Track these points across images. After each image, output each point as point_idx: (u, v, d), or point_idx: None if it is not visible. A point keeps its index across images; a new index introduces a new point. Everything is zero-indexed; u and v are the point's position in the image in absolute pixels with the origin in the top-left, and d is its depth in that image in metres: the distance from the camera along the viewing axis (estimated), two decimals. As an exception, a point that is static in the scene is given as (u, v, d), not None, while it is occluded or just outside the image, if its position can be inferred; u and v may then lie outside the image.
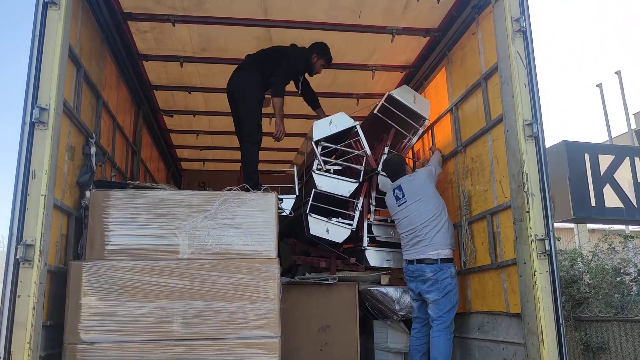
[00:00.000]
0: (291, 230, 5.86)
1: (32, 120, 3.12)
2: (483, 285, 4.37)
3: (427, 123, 5.30)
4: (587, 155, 7.59)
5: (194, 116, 6.85)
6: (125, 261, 3.61)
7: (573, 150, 7.53)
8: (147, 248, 3.86)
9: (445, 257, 4.43)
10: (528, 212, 3.51)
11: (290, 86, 5.27)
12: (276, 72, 4.83)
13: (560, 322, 3.37)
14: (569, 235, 15.46)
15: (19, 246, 2.97)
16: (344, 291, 5.22)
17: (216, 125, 7.11)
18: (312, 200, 5.12)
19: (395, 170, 4.83)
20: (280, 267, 3.94)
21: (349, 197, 5.11)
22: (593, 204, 7.42)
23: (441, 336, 4.34)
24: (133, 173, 5.97)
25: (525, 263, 3.51)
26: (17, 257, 2.96)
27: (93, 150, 4.17)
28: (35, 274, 2.99)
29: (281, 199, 4.82)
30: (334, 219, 5.12)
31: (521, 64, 3.74)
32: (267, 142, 6.97)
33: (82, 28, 3.99)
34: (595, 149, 7.65)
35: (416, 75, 5.81)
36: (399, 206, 4.68)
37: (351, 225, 5.12)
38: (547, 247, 3.42)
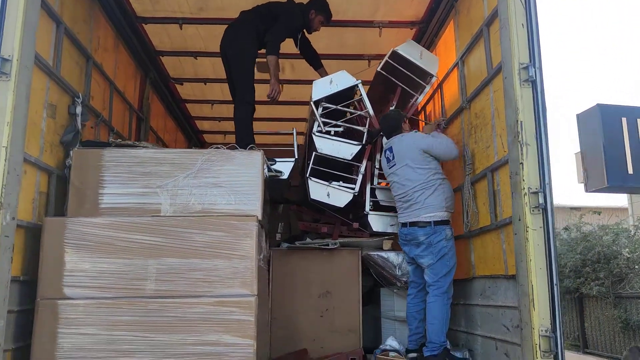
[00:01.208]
0: (298, 196, 5.70)
1: (-6, 70, 3.06)
2: (485, 248, 4.07)
3: (434, 80, 4.98)
4: (624, 120, 7.05)
5: (205, 84, 6.75)
6: (99, 218, 3.55)
7: (608, 115, 7.01)
8: (129, 207, 3.80)
9: (439, 220, 4.16)
10: (522, 163, 3.20)
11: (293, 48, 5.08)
12: (271, 29, 4.63)
13: (555, 282, 3.06)
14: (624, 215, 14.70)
15: (-21, 198, 2.93)
16: (346, 257, 5.04)
17: (229, 94, 6.96)
18: (313, 164, 4.94)
19: (390, 126, 4.56)
20: (263, 227, 3.80)
21: (351, 161, 4.89)
22: (630, 171, 6.89)
23: (437, 301, 4.09)
24: (139, 140, 5.93)
25: (520, 220, 3.21)
26: (-22, 209, 2.92)
27: (79, 110, 4.11)
28: (-4, 225, 2.94)
29: (273, 161, 4.67)
30: (334, 182, 4.92)
31: (519, 2, 3.40)
32: (275, 111, 6.84)
33: (62, -17, 3.92)
34: (633, 113, 7.09)
35: (427, 31, 5.47)
36: (389, 168, 4.44)
37: (353, 189, 4.91)
38: (541, 201, 3.11)
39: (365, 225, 5.08)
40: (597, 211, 10.62)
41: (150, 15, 5.24)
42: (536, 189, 3.15)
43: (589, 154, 7.09)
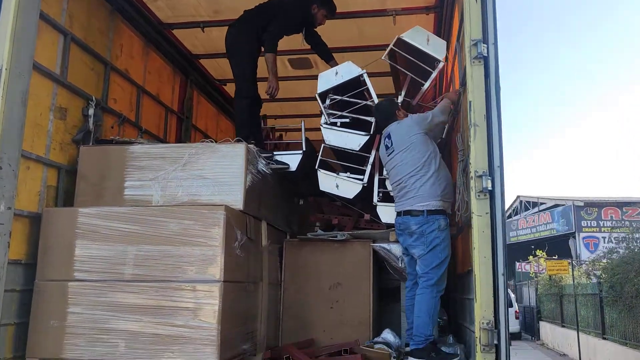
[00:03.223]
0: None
1: (-14, 78, 3.51)
2: (466, 241, 3.86)
3: (441, 65, 4.78)
4: None
5: (247, 84, 7.01)
6: (89, 208, 3.90)
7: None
8: (126, 198, 4.15)
9: (433, 209, 4.00)
10: (469, 145, 3.02)
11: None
12: (269, 27, 4.75)
13: (500, 273, 2.86)
14: None
15: (-28, 190, 3.39)
16: (357, 249, 5.02)
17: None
18: (322, 156, 4.98)
19: (384, 115, 4.46)
20: (256, 218, 3.93)
21: (359, 151, 4.86)
22: None
23: (425, 293, 3.95)
24: (180, 140, 6.34)
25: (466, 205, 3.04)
26: (-29, 199, 3.38)
27: (91, 111, 4.53)
28: (-13, 214, 3.37)
29: (270, 153, 4.77)
30: (342, 174, 4.92)
31: (474, -25, 3.20)
32: (292, 108, 6.95)
33: (70, 1, 4.35)
34: None
35: (443, 15, 5.26)
36: (388, 156, 4.33)
37: (362, 180, 4.88)
38: (485, 185, 2.91)
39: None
40: None
41: (173, 22, 5.59)
42: (483, 172, 2.95)
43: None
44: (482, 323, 2.82)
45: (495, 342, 2.77)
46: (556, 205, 27.58)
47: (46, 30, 4.07)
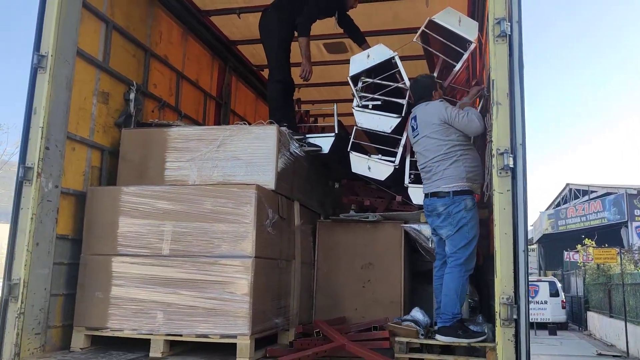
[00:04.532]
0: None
1: (34, 65, 3.75)
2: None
3: (473, 46, 4.75)
4: None
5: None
6: (131, 187, 4.11)
7: None
8: (166, 178, 4.36)
9: (459, 190, 4.02)
10: (492, 122, 3.04)
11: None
12: (302, 12, 4.84)
13: (521, 249, 2.88)
14: None
15: (20, 168, 3.65)
16: (388, 230, 5.09)
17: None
18: (355, 138, 5.06)
19: (418, 92, 4.45)
20: (287, 197, 4.06)
21: (391, 133, 4.91)
22: None
23: (454, 272, 3.99)
24: (219, 124, 6.53)
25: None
26: (19, 177, 3.64)
27: (132, 96, 4.76)
28: (34, 190, 3.62)
29: (303, 136, 4.88)
30: (373, 156, 4.99)
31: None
32: (330, 93, 7.01)
33: (111, -11, 4.57)
34: None
35: (478, -4, 5.22)
36: (414, 137, 4.36)
37: (393, 161, 4.93)
38: (507, 162, 2.93)
39: (412, 197, 5.05)
40: None
41: (210, 8, 5.75)
42: (505, 149, 2.97)
43: None
44: (502, 298, 2.86)
45: (515, 316, 2.81)
46: (608, 194, 26.65)
47: (89, 18, 4.29)
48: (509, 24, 3.05)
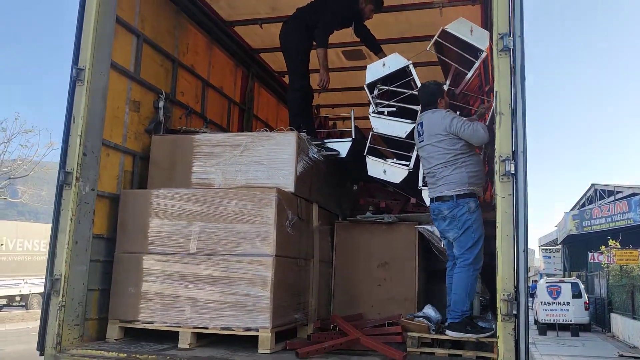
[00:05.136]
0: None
1: (73, 77, 4.08)
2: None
3: (484, 55, 4.95)
4: None
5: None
6: (161, 190, 4.42)
7: None
8: (193, 182, 4.66)
9: (462, 193, 4.21)
10: (495, 132, 3.26)
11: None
12: (319, 24, 5.10)
13: (522, 249, 3.09)
14: None
15: (60, 172, 3.98)
16: (404, 231, 5.32)
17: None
18: (371, 143, 5.30)
19: (425, 98, 4.63)
20: (306, 200, 4.33)
21: (406, 139, 5.13)
22: None
23: (462, 272, 4.20)
24: (242, 129, 6.83)
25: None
26: (59, 181, 3.97)
27: (161, 104, 5.07)
28: (73, 193, 3.95)
29: (321, 141, 5.13)
30: (388, 160, 5.22)
31: (502, -28, 3.41)
32: (350, 97, 7.25)
33: (141, 3, 4.88)
34: None
35: (489, 7, 5.39)
36: (420, 142, 4.55)
37: (408, 165, 5.15)
38: (508, 169, 3.15)
39: (425, 200, 5.26)
40: None
41: (234, 19, 6.05)
42: (507, 157, 3.18)
43: None
44: (503, 295, 3.07)
45: (515, 312, 3.02)
46: (634, 194, 26.30)
47: (121, 32, 4.62)
48: (512, 39, 3.25)
